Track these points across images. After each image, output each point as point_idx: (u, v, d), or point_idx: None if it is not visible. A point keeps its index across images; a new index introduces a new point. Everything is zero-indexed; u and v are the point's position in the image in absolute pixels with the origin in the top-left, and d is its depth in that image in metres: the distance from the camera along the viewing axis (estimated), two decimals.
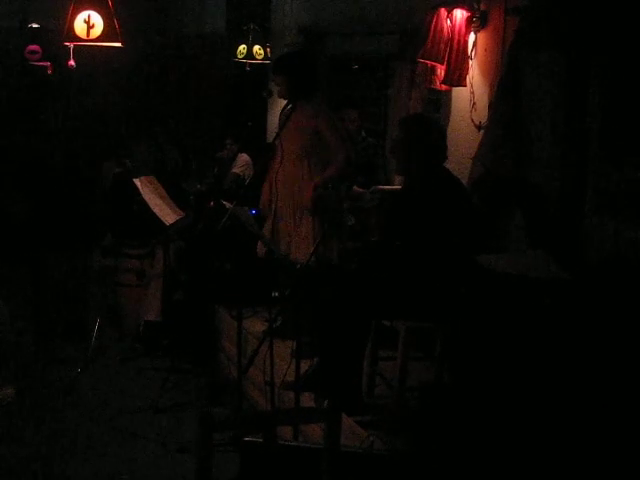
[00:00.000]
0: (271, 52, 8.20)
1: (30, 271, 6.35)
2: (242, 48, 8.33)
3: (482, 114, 4.97)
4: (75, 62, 4.75)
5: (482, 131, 4.92)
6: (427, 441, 3.38)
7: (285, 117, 4.80)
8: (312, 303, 4.50)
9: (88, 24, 4.56)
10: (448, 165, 4.19)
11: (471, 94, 5.05)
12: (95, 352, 5.73)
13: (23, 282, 6.44)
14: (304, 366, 3.94)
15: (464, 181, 4.71)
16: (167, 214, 5.33)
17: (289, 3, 7.61)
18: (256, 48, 8.30)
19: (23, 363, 5.58)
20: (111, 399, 5.10)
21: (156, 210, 5.28)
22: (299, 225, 4.91)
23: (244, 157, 7.06)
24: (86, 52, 5.18)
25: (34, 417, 4.78)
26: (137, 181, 5.39)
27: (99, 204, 7.00)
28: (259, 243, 5.02)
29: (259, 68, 8.31)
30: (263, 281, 5.10)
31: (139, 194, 5.37)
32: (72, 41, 4.67)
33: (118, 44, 4.82)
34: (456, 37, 4.96)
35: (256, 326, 5.25)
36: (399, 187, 5.09)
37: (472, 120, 5.07)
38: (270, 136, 7.86)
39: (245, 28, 8.37)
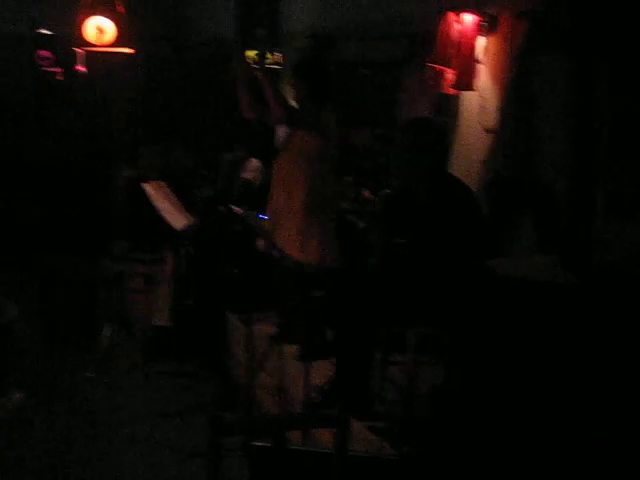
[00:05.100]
0: (281, 57, 8.21)
1: (40, 276, 6.37)
2: (252, 53, 8.32)
3: (491, 118, 4.96)
4: (85, 67, 4.77)
5: (491, 135, 4.91)
6: (435, 446, 3.36)
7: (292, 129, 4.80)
8: (321, 307, 4.50)
9: (99, 30, 4.56)
10: (457, 169, 4.18)
11: (480, 98, 5.05)
12: (105, 357, 5.73)
13: (33, 287, 6.46)
14: (315, 373, 3.93)
15: (474, 185, 4.70)
16: (177, 219, 5.33)
17: (299, 8, 7.63)
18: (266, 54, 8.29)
19: (33, 368, 5.60)
20: (121, 404, 5.10)
21: (165, 215, 5.29)
22: None
23: (254, 162, 7.06)
24: (98, 58, 5.21)
25: (44, 422, 4.79)
26: (146, 186, 5.39)
27: (111, 208, 7.01)
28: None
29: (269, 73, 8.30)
30: (272, 285, 5.10)
31: (148, 199, 5.38)
32: (83, 47, 4.69)
33: (129, 50, 4.83)
34: (465, 41, 4.96)
35: (265, 330, 5.25)
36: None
37: (481, 124, 5.06)
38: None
39: (252, 33, 8.37)
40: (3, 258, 5.65)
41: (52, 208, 7.10)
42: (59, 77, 8.13)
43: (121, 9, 4.76)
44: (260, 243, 5.01)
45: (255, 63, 5.14)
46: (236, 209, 4.16)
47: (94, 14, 4.69)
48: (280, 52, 8.26)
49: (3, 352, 4.60)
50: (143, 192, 5.40)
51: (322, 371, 4.21)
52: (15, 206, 7.78)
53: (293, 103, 5.03)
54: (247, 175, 6.98)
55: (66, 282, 6.20)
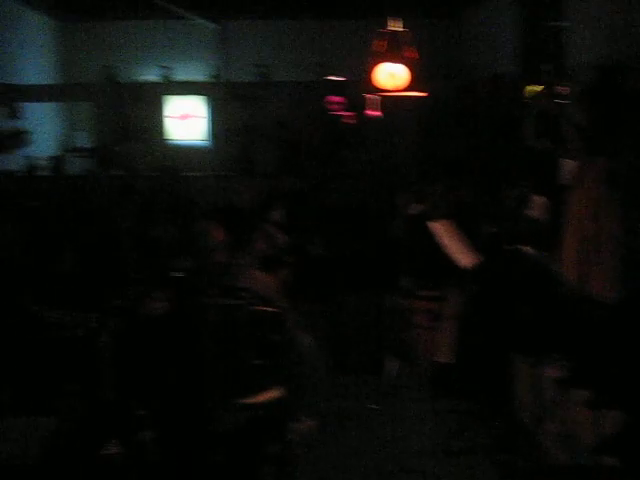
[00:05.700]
0: (566, 91, 7.99)
1: (331, 308, 6.69)
2: (534, 88, 8.21)
3: None
4: (380, 112, 4.98)
5: None
6: None
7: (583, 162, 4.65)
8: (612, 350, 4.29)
9: (392, 75, 4.75)
10: None
11: None
12: (389, 390, 5.88)
13: (326, 319, 6.80)
14: (607, 421, 3.75)
15: None
16: (463, 257, 5.37)
17: (585, 40, 7.40)
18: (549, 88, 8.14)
19: (323, 395, 5.88)
20: (403, 438, 5.20)
21: (452, 253, 5.35)
22: None
23: (539, 199, 6.89)
24: (386, 101, 5.41)
25: (329, 447, 5.01)
26: (433, 224, 5.49)
27: (398, 245, 7.21)
28: None
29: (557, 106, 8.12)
30: (562, 327, 4.94)
31: (435, 236, 5.47)
32: (375, 92, 4.91)
33: (422, 93, 4.95)
34: None
35: (553, 374, 5.08)
36: None
37: None
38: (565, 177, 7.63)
39: (538, 68, 8.26)
40: (300, 291, 6.03)
41: (343, 244, 7.44)
42: (350, 121, 8.57)
43: (412, 54, 4.93)
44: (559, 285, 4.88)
45: (542, 97, 5.07)
46: (524, 248, 4.10)
47: (386, 60, 4.89)
48: (567, 85, 8.05)
49: (299, 380, 4.89)
50: (429, 229, 5.51)
51: (614, 419, 3.99)
52: (305, 242, 8.24)
53: (582, 133, 4.88)
54: (532, 212, 6.82)
55: (355, 315, 6.46)
